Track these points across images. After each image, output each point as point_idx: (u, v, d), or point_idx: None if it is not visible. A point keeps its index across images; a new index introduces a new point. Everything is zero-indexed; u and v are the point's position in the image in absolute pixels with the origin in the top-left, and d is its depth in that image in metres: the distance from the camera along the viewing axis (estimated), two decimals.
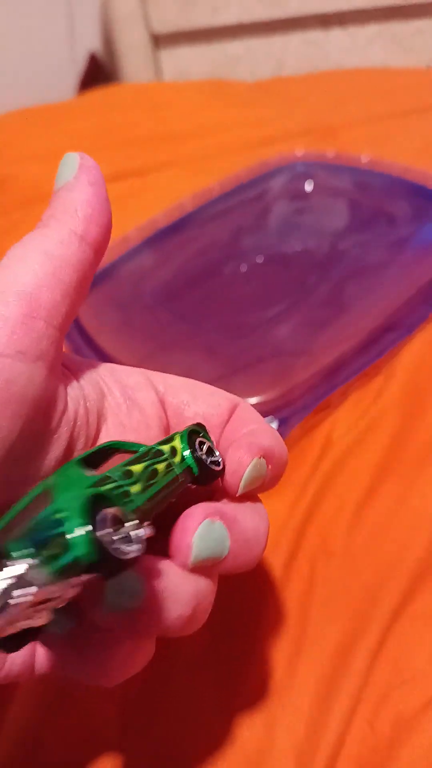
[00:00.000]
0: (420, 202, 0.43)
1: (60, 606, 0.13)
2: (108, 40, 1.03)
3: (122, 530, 0.13)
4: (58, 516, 0.13)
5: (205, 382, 0.32)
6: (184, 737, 0.24)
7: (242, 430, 0.19)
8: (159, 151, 0.56)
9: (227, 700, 0.25)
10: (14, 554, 0.12)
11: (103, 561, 0.12)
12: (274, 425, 0.29)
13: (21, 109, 0.68)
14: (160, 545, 0.16)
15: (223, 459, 0.18)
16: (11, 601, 0.12)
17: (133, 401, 0.19)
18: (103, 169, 0.59)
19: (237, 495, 0.18)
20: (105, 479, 0.14)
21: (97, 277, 0.41)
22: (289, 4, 0.83)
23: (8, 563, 0.12)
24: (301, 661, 0.25)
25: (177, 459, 0.17)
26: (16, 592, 0.12)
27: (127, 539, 0.13)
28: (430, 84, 0.64)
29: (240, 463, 0.18)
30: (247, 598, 0.26)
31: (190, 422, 0.19)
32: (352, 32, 0.87)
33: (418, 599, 0.26)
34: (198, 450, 0.18)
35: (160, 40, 0.91)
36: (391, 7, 0.83)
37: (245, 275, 0.40)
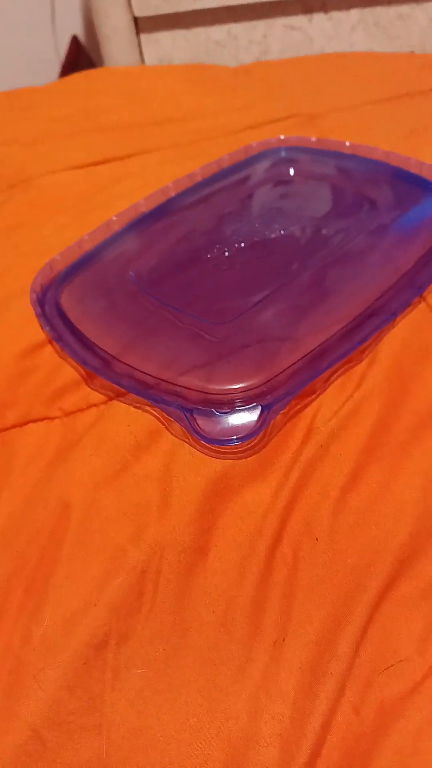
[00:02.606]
0: (402, 188, 0.43)
1: None
2: (90, 24, 1.02)
3: None
4: None
5: (190, 368, 0.32)
6: (167, 726, 0.24)
7: None
8: (141, 136, 0.55)
9: (211, 688, 0.25)
10: None
11: None
12: (258, 411, 0.29)
13: (3, 92, 0.66)
14: None
15: None
16: None
17: None
18: (86, 154, 0.59)
19: None
20: None
21: (79, 262, 0.41)
22: None
23: None
24: (285, 647, 0.25)
25: None
26: None
27: None
28: (413, 69, 0.64)
29: None
30: (231, 582, 0.26)
31: None
32: (335, 17, 0.87)
33: (402, 584, 0.26)
34: None
35: (142, 24, 0.89)
36: None
37: (229, 260, 0.39)
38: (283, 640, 0.25)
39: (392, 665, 0.25)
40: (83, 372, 0.35)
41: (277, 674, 0.25)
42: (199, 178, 0.47)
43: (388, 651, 0.25)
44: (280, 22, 0.88)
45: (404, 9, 0.85)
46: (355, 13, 0.86)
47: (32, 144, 0.56)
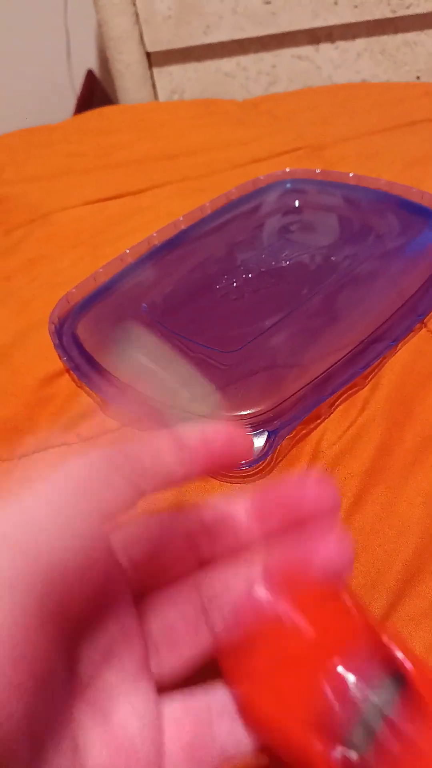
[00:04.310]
0: (405, 216, 0.44)
1: None
2: (104, 59, 1.05)
3: None
4: None
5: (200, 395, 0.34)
6: None
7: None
8: (153, 171, 0.57)
9: None
10: None
11: None
12: (265, 436, 0.31)
13: (20, 129, 0.69)
14: None
15: None
16: None
17: None
18: (100, 190, 0.61)
19: None
20: None
21: (94, 295, 0.43)
22: (279, 21, 0.85)
23: None
24: None
25: None
26: None
27: None
28: (418, 97, 0.65)
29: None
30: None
31: None
32: (341, 46, 0.89)
33: (406, 603, 0.27)
34: None
35: (154, 59, 0.93)
36: (378, 21, 0.85)
37: (238, 290, 0.41)
38: None
39: None
40: (99, 399, 0.36)
41: None
42: (208, 211, 0.49)
43: None
44: (287, 53, 0.91)
45: (410, 36, 0.87)
46: (360, 42, 0.89)
47: (50, 180, 0.58)
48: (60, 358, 0.38)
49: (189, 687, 0.18)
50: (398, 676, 0.16)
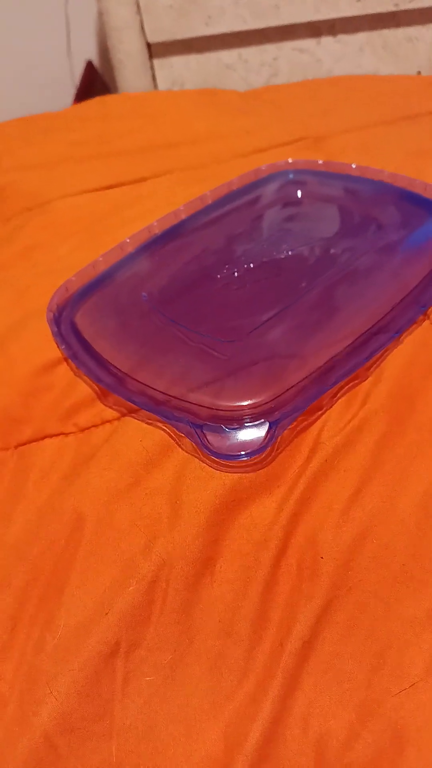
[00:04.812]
0: (408, 208, 0.44)
1: None
2: (104, 49, 1.04)
3: None
4: None
5: (200, 385, 0.33)
6: (175, 732, 0.25)
7: None
8: (153, 160, 0.57)
9: (217, 694, 0.25)
10: None
11: None
12: (265, 427, 0.30)
13: (20, 118, 0.69)
14: None
15: None
16: None
17: None
18: (100, 178, 0.61)
19: None
20: None
21: (93, 283, 0.42)
22: (280, 14, 0.84)
23: None
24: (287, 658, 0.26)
25: None
26: None
27: None
28: (419, 90, 0.65)
29: None
30: (237, 592, 0.27)
31: None
32: (343, 40, 0.88)
33: (409, 604, 0.27)
34: None
35: (155, 49, 0.92)
36: (380, 15, 0.85)
37: (238, 280, 0.40)
38: (282, 651, 0.26)
39: (404, 689, 0.25)
40: (97, 389, 0.36)
41: (283, 686, 0.25)
42: (209, 201, 0.48)
43: (401, 673, 0.25)
44: (289, 46, 0.90)
45: (411, 31, 0.87)
46: (362, 36, 0.88)
47: (49, 168, 0.58)
48: (58, 346, 0.37)
49: None
50: None
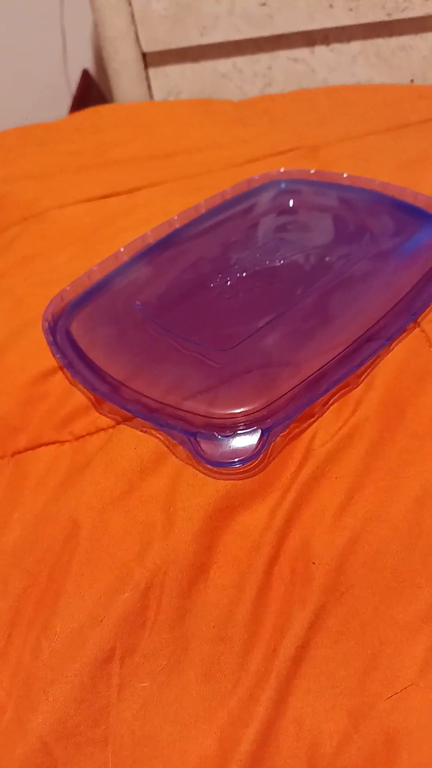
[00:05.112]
0: (399, 217, 0.44)
1: None
2: (100, 59, 1.05)
3: None
4: None
5: (193, 394, 0.34)
6: (171, 737, 0.25)
7: None
8: (148, 170, 0.57)
9: (211, 700, 0.26)
10: None
11: None
12: (258, 435, 0.31)
13: (16, 127, 0.69)
14: None
15: None
16: None
17: None
18: (95, 188, 0.61)
19: None
20: None
21: (88, 293, 0.43)
22: (274, 23, 0.85)
23: None
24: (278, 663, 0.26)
25: None
26: None
27: None
28: (413, 99, 0.66)
29: None
30: (230, 598, 0.28)
31: None
32: (337, 49, 0.89)
33: (401, 608, 0.27)
34: None
35: (150, 59, 0.93)
36: (373, 24, 0.85)
37: (232, 289, 0.41)
38: (275, 655, 0.26)
39: (397, 693, 0.25)
40: (92, 397, 0.36)
41: (274, 690, 0.26)
42: (203, 210, 0.49)
43: (393, 678, 0.25)
44: (283, 55, 0.91)
45: (405, 40, 0.87)
46: (356, 45, 0.89)
47: (45, 178, 0.58)
48: (54, 355, 0.38)
49: None
50: None
